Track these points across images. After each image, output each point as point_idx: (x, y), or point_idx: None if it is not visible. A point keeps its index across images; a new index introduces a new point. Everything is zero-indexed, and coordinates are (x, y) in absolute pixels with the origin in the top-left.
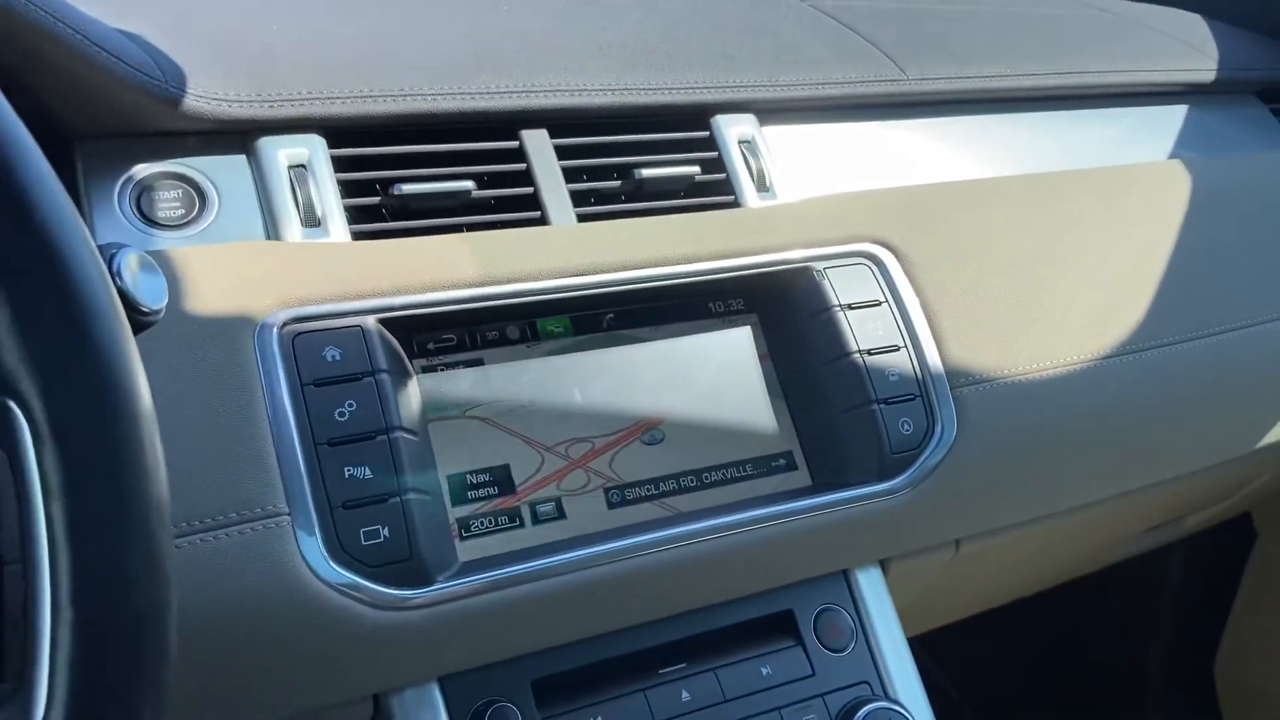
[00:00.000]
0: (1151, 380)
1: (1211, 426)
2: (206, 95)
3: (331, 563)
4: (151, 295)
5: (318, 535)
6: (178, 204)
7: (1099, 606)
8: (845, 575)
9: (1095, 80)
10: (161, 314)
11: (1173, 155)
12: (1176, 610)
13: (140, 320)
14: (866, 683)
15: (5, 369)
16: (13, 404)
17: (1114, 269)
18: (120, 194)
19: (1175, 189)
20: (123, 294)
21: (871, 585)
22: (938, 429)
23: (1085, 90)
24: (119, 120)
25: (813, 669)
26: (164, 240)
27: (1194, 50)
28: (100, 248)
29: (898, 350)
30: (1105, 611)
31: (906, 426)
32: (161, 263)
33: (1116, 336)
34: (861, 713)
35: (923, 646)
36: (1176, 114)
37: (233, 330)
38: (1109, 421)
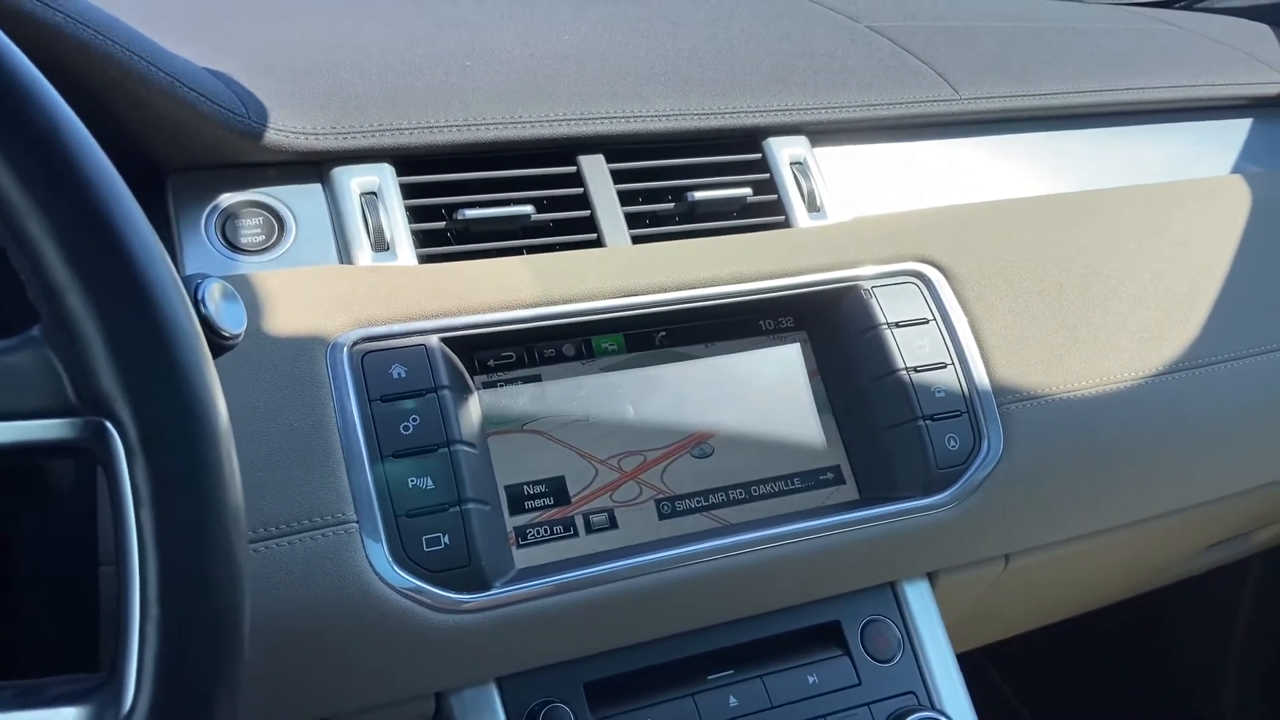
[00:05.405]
0: (1203, 397)
1: (1266, 443)
2: (286, 129)
3: (396, 568)
4: (232, 321)
5: (383, 542)
6: (259, 230)
7: (1173, 616)
8: (893, 587)
9: (1155, 95)
10: (240, 338)
11: (1236, 170)
12: (1253, 620)
13: (221, 344)
14: (913, 693)
15: (102, 391)
16: (108, 423)
17: (1167, 285)
18: (207, 222)
19: (1232, 204)
20: (206, 321)
21: (919, 598)
22: (984, 445)
23: (1145, 106)
24: (206, 153)
25: (859, 678)
26: (246, 264)
27: (1259, 63)
28: (186, 278)
29: (945, 367)
30: (1179, 621)
31: (953, 442)
32: (244, 286)
33: (1168, 354)
34: None
35: (988, 659)
36: (1241, 128)
37: (307, 349)
38: (1159, 438)
